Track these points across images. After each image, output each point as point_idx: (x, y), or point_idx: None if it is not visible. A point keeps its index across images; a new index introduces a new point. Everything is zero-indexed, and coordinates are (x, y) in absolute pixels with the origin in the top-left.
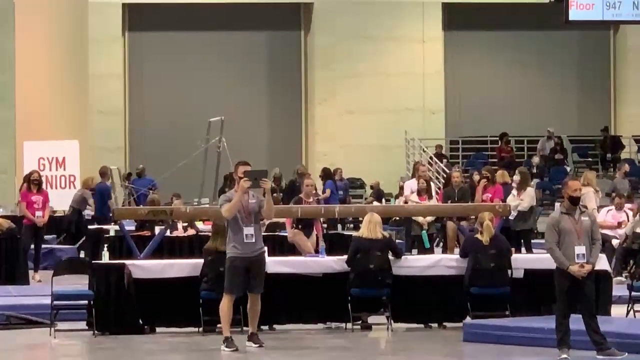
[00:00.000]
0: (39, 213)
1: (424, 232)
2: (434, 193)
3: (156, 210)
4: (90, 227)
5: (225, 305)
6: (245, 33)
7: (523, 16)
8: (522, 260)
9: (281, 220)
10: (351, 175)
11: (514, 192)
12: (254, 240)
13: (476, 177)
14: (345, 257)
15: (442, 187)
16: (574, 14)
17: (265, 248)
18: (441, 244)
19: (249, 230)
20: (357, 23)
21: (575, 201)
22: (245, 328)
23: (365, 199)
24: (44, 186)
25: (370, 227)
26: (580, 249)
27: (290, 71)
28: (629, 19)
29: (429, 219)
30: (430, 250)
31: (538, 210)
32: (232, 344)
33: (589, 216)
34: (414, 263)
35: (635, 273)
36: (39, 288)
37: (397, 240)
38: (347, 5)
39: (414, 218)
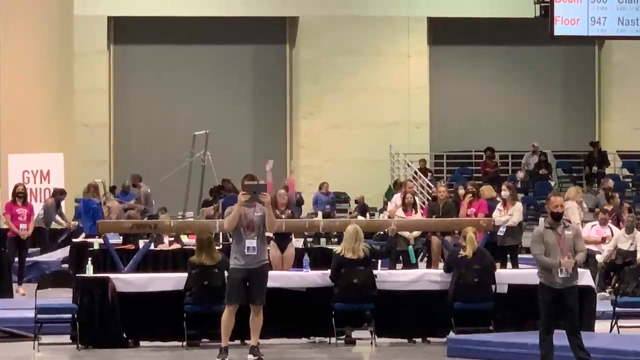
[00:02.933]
0: (23, 226)
1: (410, 247)
2: (418, 208)
3: (140, 224)
4: (74, 240)
5: (224, 316)
6: (231, 47)
7: (508, 31)
8: (506, 276)
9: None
10: (336, 190)
11: (500, 207)
12: (255, 253)
13: (461, 191)
14: (328, 271)
15: (428, 201)
16: (559, 29)
17: (267, 261)
18: (426, 258)
19: (250, 243)
20: (342, 37)
21: (556, 217)
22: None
23: (350, 213)
24: (28, 199)
25: (354, 247)
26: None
27: (275, 85)
28: (614, 34)
29: (416, 233)
30: (415, 265)
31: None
32: (221, 354)
33: (572, 230)
34: (398, 278)
35: (619, 289)
36: (23, 301)
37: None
38: (332, 20)
39: (400, 233)
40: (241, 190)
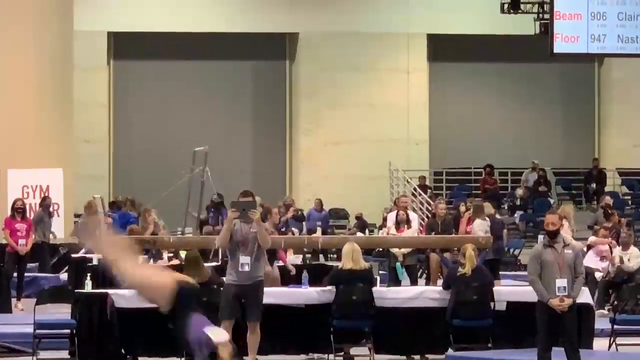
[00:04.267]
0: (22, 241)
1: (397, 264)
2: (416, 225)
3: (140, 240)
4: (73, 255)
5: None
6: (231, 62)
7: (508, 48)
8: (505, 293)
9: None
10: (335, 206)
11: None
12: (248, 269)
13: (462, 208)
14: (327, 288)
15: (427, 218)
16: (559, 47)
17: (262, 277)
18: (424, 275)
19: (244, 260)
20: (342, 53)
21: (551, 235)
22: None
23: (349, 229)
24: (27, 214)
25: (354, 257)
26: (561, 282)
27: (275, 101)
28: (613, 51)
29: (404, 250)
30: (414, 282)
31: (521, 242)
32: None
33: (573, 249)
34: (396, 295)
35: (618, 306)
36: (22, 317)
37: (380, 272)
38: (332, 36)
39: (390, 250)
40: (230, 207)
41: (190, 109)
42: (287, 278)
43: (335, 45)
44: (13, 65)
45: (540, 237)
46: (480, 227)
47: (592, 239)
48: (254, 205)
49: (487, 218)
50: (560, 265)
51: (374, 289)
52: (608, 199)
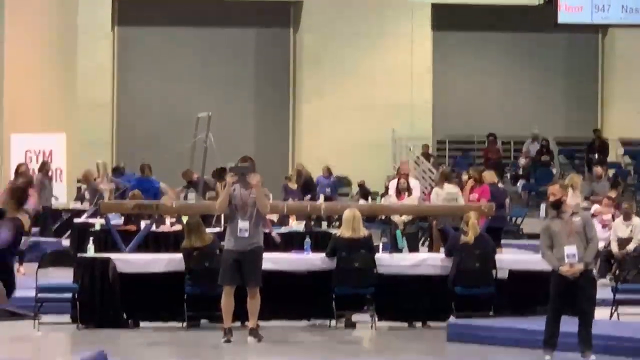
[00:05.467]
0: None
1: (398, 231)
2: (417, 192)
3: (142, 205)
4: (76, 220)
5: (223, 298)
6: (235, 30)
7: (512, 18)
8: (507, 261)
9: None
10: (338, 173)
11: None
12: (247, 235)
13: (465, 176)
14: None
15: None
16: (563, 17)
17: (260, 243)
18: (426, 243)
19: (243, 225)
20: (346, 21)
21: (555, 205)
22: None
23: (352, 197)
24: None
25: (354, 225)
26: (569, 249)
27: (278, 68)
28: (617, 22)
29: (404, 219)
30: (414, 250)
31: (523, 211)
32: (225, 335)
33: (582, 216)
34: (399, 262)
35: (619, 276)
36: (24, 281)
37: (382, 239)
38: (336, 4)
39: (391, 218)
40: (229, 172)
41: (193, 75)
42: (273, 247)
43: (339, 13)
44: (17, 32)
45: (543, 206)
46: (436, 196)
47: (595, 207)
48: (252, 169)
49: (446, 186)
50: (569, 233)
51: (376, 256)
52: (599, 170)
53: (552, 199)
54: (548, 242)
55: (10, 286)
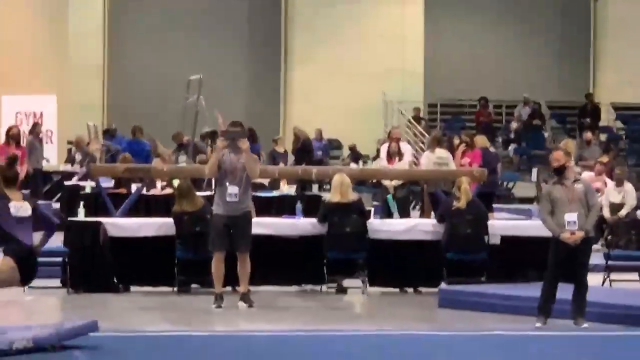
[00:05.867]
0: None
1: (389, 196)
2: (409, 156)
3: (134, 169)
4: (66, 183)
5: (213, 263)
6: None
7: None
8: (499, 227)
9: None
10: (329, 137)
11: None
12: (237, 200)
13: (456, 140)
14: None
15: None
16: None
17: (251, 208)
18: (417, 207)
19: (232, 189)
20: None
21: (558, 171)
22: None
23: (343, 160)
24: (21, 141)
25: (342, 190)
26: (570, 216)
27: (270, 32)
28: None
29: (395, 183)
30: (405, 215)
31: (515, 176)
32: (217, 301)
33: (583, 183)
34: (390, 227)
35: (611, 242)
36: None
37: (374, 203)
38: None
39: (382, 182)
40: (220, 136)
41: (185, 37)
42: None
43: None
44: None
45: (534, 171)
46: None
47: (586, 174)
48: (243, 134)
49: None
50: (570, 200)
51: (368, 221)
52: (589, 135)
53: (556, 164)
54: (549, 208)
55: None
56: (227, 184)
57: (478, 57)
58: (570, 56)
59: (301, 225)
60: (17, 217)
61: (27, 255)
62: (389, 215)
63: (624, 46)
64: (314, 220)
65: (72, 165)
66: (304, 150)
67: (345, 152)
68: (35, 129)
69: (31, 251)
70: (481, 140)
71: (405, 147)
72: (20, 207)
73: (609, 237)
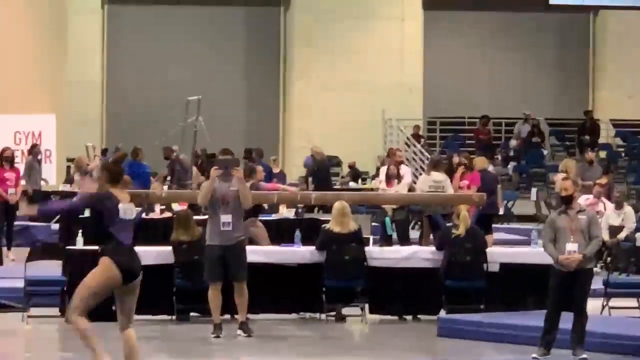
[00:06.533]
0: (11, 190)
1: (387, 218)
2: (408, 178)
3: (132, 194)
4: None
5: (210, 294)
6: (225, 8)
7: None
8: (498, 254)
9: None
10: (328, 153)
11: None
12: (230, 228)
13: (456, 159)
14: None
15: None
16: None
17: (244, 237)
18: (417, 226)
19: (225, 218)
20: (336, 0)
21: (565, 200)
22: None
23: (342, 177)
24: (19, 161)
25: (343, 221)
26: (571, 246)
27: (268, 47)
28: (609, 3)
29: (394, 205)
30: (404, 237)
31: (514, 194)
32: (216, 331)
33: (587, 214)
34: (389, 255)
35: (612, 266)
36: (13, 269)
37: (372, 224)
38: None
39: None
40: (214, 165)
41: (183, 54)
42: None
43: None
44: (6, 10)
45: (534, 190)
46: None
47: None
48: (237, 163)
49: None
50: (572, 231)
51: (366, 248)
52: (590, 155)
53: (564, 193)
54: (551, 235)
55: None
56: (220, 213)
57: (477, 73)
58: (569, 72)
59: (300, 253)
60: (125, 219)
61: (128, 254)
62: (387, 237)
63: (623, 61)
64: (312, 248)
65: (70, 185)
66: (318, 174)
67: (345, 169)
68: (33, 150)
69: (131, 250)
70: (480, 162)
71: (405, 170)
72: (127, 209)
73: (608, 260)
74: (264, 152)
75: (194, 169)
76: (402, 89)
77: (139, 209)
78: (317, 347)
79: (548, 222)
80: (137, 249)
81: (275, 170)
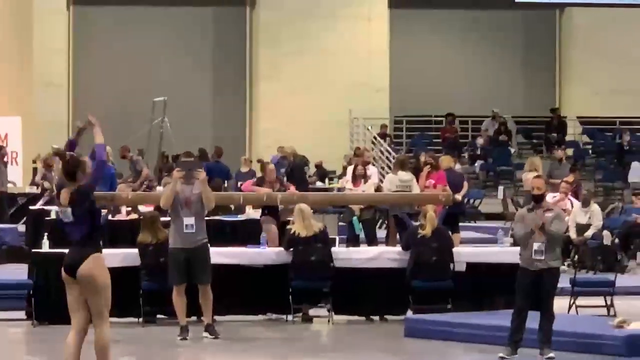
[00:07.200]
0: None
1: (354, 218)
2: (375, 178)
3: (97, 197)
4: (31, 207)
5: (174, 297)
6: (191, 8)
7: None
8: (465, 254)
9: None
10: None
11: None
12: (193, 231)
13: (422, 158)
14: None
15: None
16: None
17: (206, 239)
18: (384, 226)
19: (188, 221)
20: (302, 0)
21: (536, 199)
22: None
23: (310, 177)
24: None
25: (306, 224)
26: (537, 246)
27: (235, 47)
28: (574, 1)
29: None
30: (371, 237)
31: (481, 193)
32: (182, 333)
33: (554, 212)
34: (355, 255)
35: (578, 264)
36: None
37: (339, 223)
38: None
39: None
40: (176, 168)
41: (149, 55)
42: None
43: None
44: None
45: (500, 188)
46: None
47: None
48: (200, 165)
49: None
50: (539, 228)
51: (333, 249)
52: (560, 153)
53: (536, 192)
54: (522, 230)
55: None
56: (182, 216)
57: (443, 72)
58: (536, 70)
59: (266, 254)
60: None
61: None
62: (355, 236)
63: (590, 58)
64: (278, 249)
65: (37, 187)
66: (294, 174)
67: (312, 169)
68: (0, 152)
69: None
70: (446, 160)
71: (372, 170)
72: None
73: (576, 258)
74: (222, 151)
75: (145, 170)
76: (369, 88)
77: (105, 210)
78: (285, 348)
79: (518, 218)
80: (104, 250)
81: (245, 169)
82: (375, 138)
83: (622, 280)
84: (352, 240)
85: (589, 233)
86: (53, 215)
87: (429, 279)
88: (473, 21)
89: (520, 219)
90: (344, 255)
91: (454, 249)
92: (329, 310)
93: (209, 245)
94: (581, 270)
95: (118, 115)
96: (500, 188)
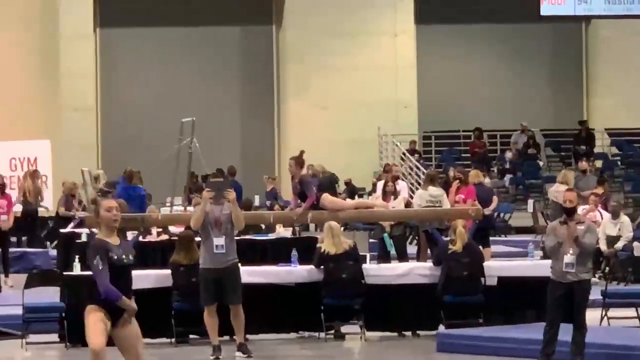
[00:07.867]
0: (3, 217)
1: (385, 235)
2: (405, 193)
3: (128, 218)
4: (62, 230)
5: (205, 317)
6: (218, 28)
7: (496, 9)
8: (496, 268)
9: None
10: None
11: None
12: (224, 251)
13: (451, 173)
14: None
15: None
16: (546, 9)
17: (237, 259)
18: (414, 242)
19: (218, 241)
20: (328, 17)
21: (568, 212)
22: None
23: (339, 194)
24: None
25: (335, 242)
26: (569, 258)
27: (262, 66)
28: (600, 13)
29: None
30: (402, 253)
31: (511, 207)
32: (215, 353)
33: (585, 225)
34: (387, 272)
35: (609, 276)
36: (11, 296)
37: (370, 240)
38: (318, 0)
39: None
40: (205, 188)
41: (177, 75)
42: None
43: (321, 9)
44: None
45: (530, 202)
46: (419, 198)
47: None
48: (229, 185)
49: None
50: (571, 243)
51: (363, 266)
52: (584, 164)
53: (569, 205)
54: (554, 242)
55: None
56: (213, 236)
57: (471, 86)
58: (563, 82)
59: (297, 272)
60: None
61: None
62: (386, 253)
63: (617, 69)
64: (309, 267)
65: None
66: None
67: (342, 186)
68: (35, 175)
69: None
70: (475, 175)
71: (401, 185)
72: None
73: (606, 270)
74: (236, 170)
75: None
76: (397, 104)
77: (136, 232)
78: None
79: (549, 230)
80: (135, 272)
81: (268, 188)
82: (404, 154)
83: None
84: (384, 257)
85: (619, 245)
86: (84, 238)
87: (460, 293)
88: (499, 35)
89: (552, 232)
90: (375, 272)
91: (485, 264)
92: (361, 327)
93: (239, 265)
94: (612, 282)
95: (146, 137)
96: (530, 201)
